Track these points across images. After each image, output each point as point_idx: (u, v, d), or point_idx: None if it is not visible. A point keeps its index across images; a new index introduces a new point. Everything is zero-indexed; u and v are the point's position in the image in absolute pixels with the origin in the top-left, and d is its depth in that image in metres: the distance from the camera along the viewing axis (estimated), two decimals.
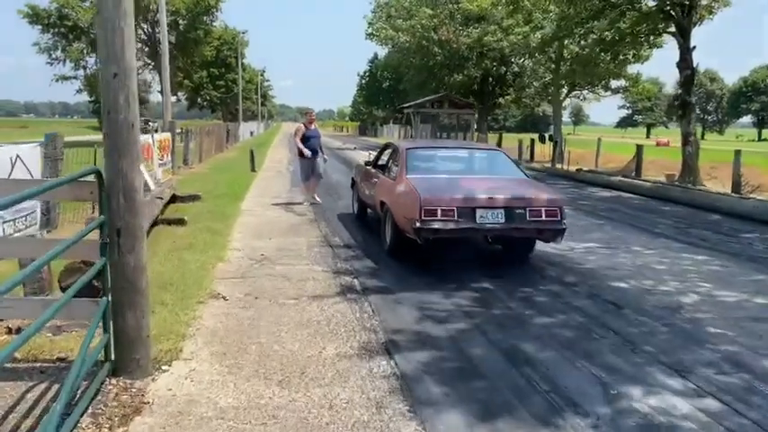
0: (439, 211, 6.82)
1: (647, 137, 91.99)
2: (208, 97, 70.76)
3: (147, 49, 41.21)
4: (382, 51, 72.21)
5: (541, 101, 31.86)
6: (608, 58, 21.26)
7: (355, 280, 6.43)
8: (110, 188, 3.80)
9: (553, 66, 26.77)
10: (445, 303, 5.69)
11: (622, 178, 17.17)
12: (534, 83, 30.18)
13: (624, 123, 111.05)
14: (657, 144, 50.26)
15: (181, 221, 9.08)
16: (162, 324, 4.77)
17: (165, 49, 20.57)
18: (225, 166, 20.55)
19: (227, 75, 69.64)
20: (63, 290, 4.83)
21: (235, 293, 5.83)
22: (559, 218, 6.88)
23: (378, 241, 8.33)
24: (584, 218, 11.26)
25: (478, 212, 6.80)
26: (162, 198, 9.32)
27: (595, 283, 6.61)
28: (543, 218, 6.84)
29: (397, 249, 7.68)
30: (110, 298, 3.91)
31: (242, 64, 62.42)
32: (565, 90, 28.35)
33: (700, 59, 24.72)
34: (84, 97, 68.92)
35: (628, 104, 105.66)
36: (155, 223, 8.77)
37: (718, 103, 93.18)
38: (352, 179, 11.27)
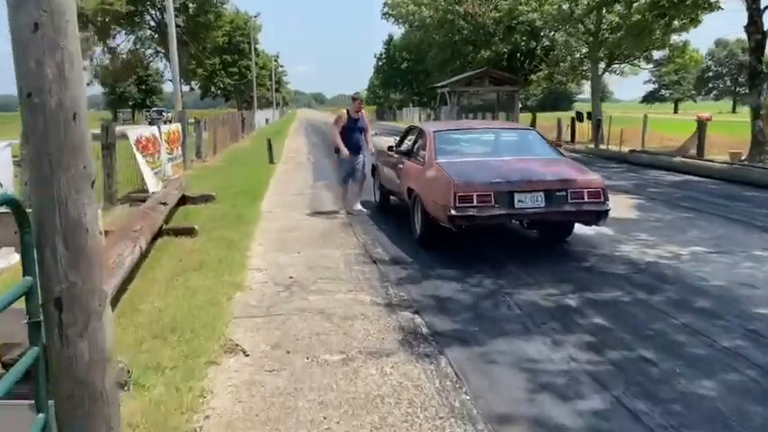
0: (474, 197, 6.14)
1: (675, 112, 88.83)
2: (221, 85, 69.27)
3: (156, 36, 39.69)
4: (398, 32, 70.26)
5: (576, 77, 29.81)
6: (662, 24, 19.22)
7: (418, 317, 4.78)
8: (39, 228, 2.18)
9: (591, 38, 24.68)
10: (555, 359, 4.01)
11: (684, 159, 15.27)
12: (569, 56, 28.08)
13: (650, 98, 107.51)
14: (699, 118, 47.56)
15: (190, 231, 7.50)
16: (152, 413, 3.17)
17: (171, 32, 18.97)
18: (241, 158, 18.98)
19: (240, 61, 68.02)
20: (4, 366, 3.24)
21: (259, 344, 4.23)
22: (602, 199, 6.36)
23: (433, 254, 6.67)
24: (666, 210, 9.48)
25: (517, 197, 6.19)
26: (166, 204, 7.74)
27: (741, 309, 4.90)
28: (585, 199, 6.31)
29: (428, 238, 6.98)
30: (50, 411, 2.31)
31: (255, 49, 60.76)
32: (603, 64, 26.25)
33: (729, 29, 22.42)
34: (98, 89, 67.97)
35: (654, 79, 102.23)
36: (158, 234, 7.21)
37: (752, 74, 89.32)
38: (373, 165, 9.99)
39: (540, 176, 6.40)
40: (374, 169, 9.90)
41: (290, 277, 5.80)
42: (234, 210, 9.30)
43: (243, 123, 32.58)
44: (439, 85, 21.64)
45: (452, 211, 6.08)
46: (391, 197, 9.29)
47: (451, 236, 6.59)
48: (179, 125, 15.55)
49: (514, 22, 30.45)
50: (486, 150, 7.40)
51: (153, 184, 10.41)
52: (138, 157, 10.22)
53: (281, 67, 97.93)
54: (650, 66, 27.80)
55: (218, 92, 72.67)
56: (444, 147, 7.17)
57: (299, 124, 56.99)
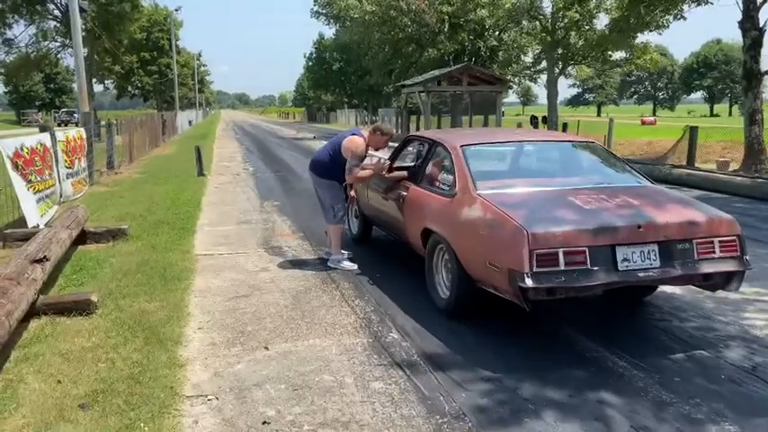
0: (560, 255, 3.78)
1: (598, 115, 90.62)
2: (139, 84, 64.29)
3: (61, 26, 35.27)
4: (329, 31, 67.49)
5: (530, 77, 28.21)
6: (648, 20, 17.56)
7: None
8: None
9: (548, 37, 22.95)
10: None
11: (690, 171, 13.40)
12: (524, 57, 26.40)
13: (575, 102, 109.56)
14: (643, 123, 47.50)
15: (84, 306, 4.68)
16: None
17: (75, 17, 15.59)
18: (164, 169, 15.85)
19: (159, 59, 63.28)
20: None
21: None
22: (739, 252, 4.19)
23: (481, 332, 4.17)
24: None
25: (620, 252, 3.91)
26: (45, 259, 4.85)
27: None
28: (717, 254, 4.11)
29: (461, 309, 4.54)
30: None
31: (176, 46, 56.44)
32: (559, 65, 24.64)
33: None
34: None
35: (578, 83, 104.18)
36: (30, 313, 4.40)
37: (669, 80, 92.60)
38: (346, 186, 7.18)
39: (650, 218, 4.05)
40: (346, 190, 7.28)
41: (265, 423, 3.15)
42: (155, 254, 6.49)
43: (164, 126, 29.03)
44: (410, 83, 18.75)
45: (529, 281, 3.69)
46: (374, 226, 6.84)
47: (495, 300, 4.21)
48: (83, 130, 12.38)
49: (461, 20, 28.47)
50: (544, 174, 4.95)
51: (33, 216, 7.39)
52: (15, 178, 7.19)
53: (204, 65, 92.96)
54: (606, 67, 26.57)
55: (137, 91, 67.54)
56: (483, 169, 4.72)
57: (226, 126, 53.26)
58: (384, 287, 5.43)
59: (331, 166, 5.99)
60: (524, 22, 24.00)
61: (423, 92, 16.60)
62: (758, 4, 13.60)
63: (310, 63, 73.99)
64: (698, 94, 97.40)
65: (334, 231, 6.10)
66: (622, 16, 18.49)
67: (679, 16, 17.30)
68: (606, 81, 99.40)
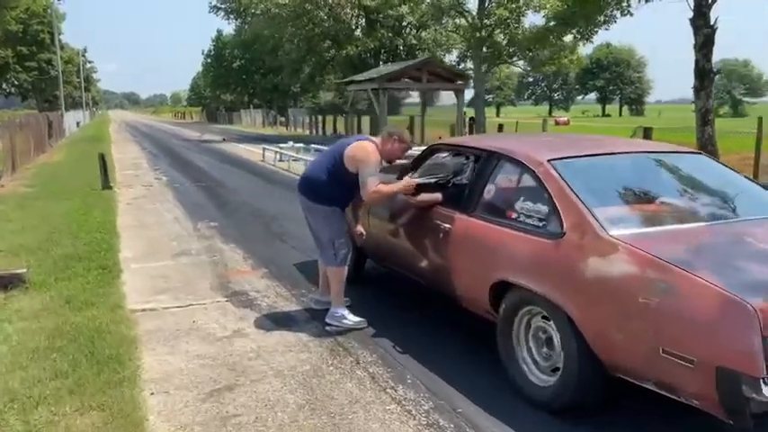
0: None
1: (497, 115, 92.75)
2: (16, 81, 58.19)
3: None
4: (228, 27, 64.18)
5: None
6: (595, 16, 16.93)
7: None
8: None
9: (477, 33, 22.05)
10: None
11: None
12: (445, 54, 25.44)
13: (473, 104, 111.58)
14: (557, 123, 48.15)
15: None
16: None
17: None
18: (57, 180, 13.30)
19: (39, 54, 57.43)
20: None
21: None
22: None
23: None
24: None
25: None
26: None
27: None
28: None
29: (579, 403, 3.05)
30: None
31: (59, 41, 51.31)
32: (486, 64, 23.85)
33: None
34: None
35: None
36: None
37: (565, 81, 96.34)
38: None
39: None
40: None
41: None
42: (72, 315, 4.57)
43: (50, 128, 25.59)
44: (360, 78, 16.82)
45: (766, 389, 2.25)
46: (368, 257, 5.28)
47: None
48: None
49: (380, 15, 27.18)
50: (675, 200, 3.52)
51: None
52: None
53: (90, 62, 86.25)
54: (530, 67, 26.18)
55: (13, 89, 61.11)
56: (595, 196, 3.27)
57: (119, 127, 48.97)
58: (420, 354, 3.87)
59: (330, 187, 4.34)
60: (449, 19, 23.02)
61: (376, 89, 14.92)
62: (710, 1, 13.19)
63: (208, 60, 70.20)
64: (591, 95, 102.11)
65: (335, 276, 4.44)
66: (567, 10, 17.86)
67: (626, 11, 16.90)
68: (505, 82, 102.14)
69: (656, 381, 2.62)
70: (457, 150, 4.37)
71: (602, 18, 18.11)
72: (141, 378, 3.61)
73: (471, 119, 22.86)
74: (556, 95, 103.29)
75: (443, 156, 4.42)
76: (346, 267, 4.46)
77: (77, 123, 46.97)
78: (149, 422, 3.10)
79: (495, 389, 3.43)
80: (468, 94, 27.84)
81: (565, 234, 3.03)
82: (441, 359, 3.83)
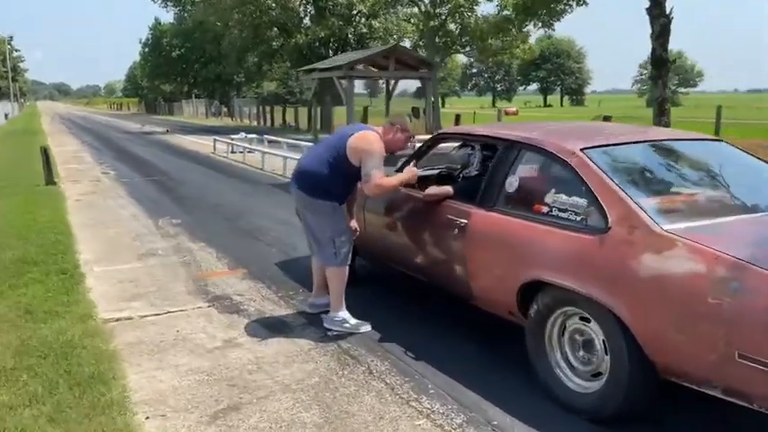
0: None
1: (443, 106, 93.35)
2: None
3: None
4: (166, 15, 61.91)
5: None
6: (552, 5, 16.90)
7: None
8: None
9: (431, 22, 21.80)
10: None
11: None
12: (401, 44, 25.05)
13: (419, 94, 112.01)
14: (506, 113, 48.37)
15: None
16: None
17: None
18: None
19: None
20: None
21: None
22: None
23: None
24: None
25: None
26: None
27: None
28: None
29: (625, 410, 2.82)
30: None
31: None
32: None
33: None
34: None
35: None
36: None
37: (507, 72, 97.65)
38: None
39: None
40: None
41: None
42: (36, 328, 4.07)
43: None
44: (324, 66, 16.04)
45: None
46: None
47: None
48: None
49: (330, 3, 26.63)
50: (715, 191, 3.31)
51: None
52: None
53: (17, 51, 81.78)
54: (482, 57, 26.13)
55: None
56: (642, 189, 3.06)
57: (52, 119, 46.60)
58: (435, 360, 3.59)
59: (332, 181, 3.99)
60: (401, 7, 22.73)
61: (343, 77, 14.35)
62: None
63: (146, 49, 67.62)
64: (532, 86, 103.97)
65: (336, 276, 4.10)
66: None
67: (582, 1, 16.99)
68: (449, 73, 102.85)
69: (725, 387, 2.42)
70: (466, 140, 4.10)
71: (561, 7, 18.19)
72: (131, 400, 3.19)
73: (424, 110, 22.66)
74: (499, 86, 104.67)
75: (450, 146, 4.13)
76: (347, 268, 4.12)
77: (5, 115, 44.41)
78: None
79: (526, 394, 3.19)
80: (415, 84, 27.75)
81: (610, 229, 2.79)
82: (458, 363, 3.55)
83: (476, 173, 3.86)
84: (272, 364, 3.62)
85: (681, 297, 2.50)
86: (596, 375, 2.98)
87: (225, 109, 49.88)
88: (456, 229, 3.63)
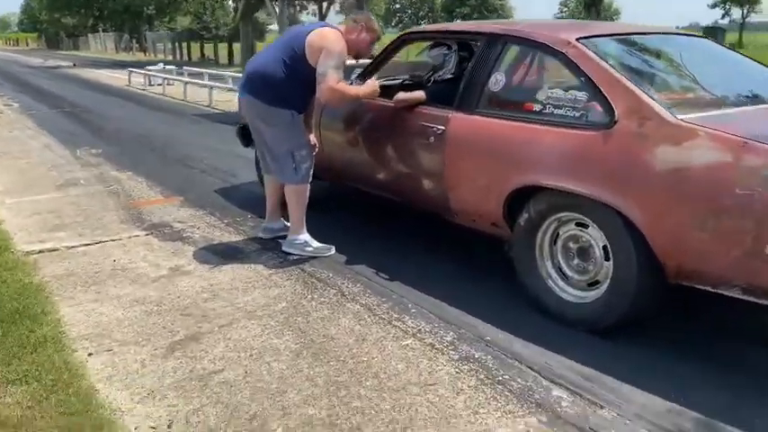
0: None
1: None
2: None
3: None
4: None
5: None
6: None
7: None
8: None
9: None
10: None
11: None
12: None
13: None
14: None
15: None
16: None
17: None
18: None
19: None
20: None
21: None
22: None
23: None
24: None
25: None
26: None
27: None
28: None
29: (632, 318, 2.65)
30: None
31: None
32: None
33: None
34: None
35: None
36: None
37: (431, 8, 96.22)
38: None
39: None
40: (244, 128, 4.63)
41: None
42: None
43: None
44: None
45: None
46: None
47: None
48: None
49: None
50: (715, 83, 3.01)
51: None
52: None
53: None
54: None
55: None
56: (648, 80, 2.79)
57: None
58: (410, 280, 3.28)
59: (289, 86, 3.50)
60: None
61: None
62: None
63: None
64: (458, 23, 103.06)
65: (296, 195, 3.67)
66: None
67: None
68: (372, 9, 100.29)
69: (747, 285, 2.24)
70: (438, 39, 3.71)
71: None
72: (67, 336, 2.72)
73: None
74: (422, 23, 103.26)
75: (420, 45, 3.73)
76: (308, 185, 3.70)
77: None
78: (101, 393, 2.29)
79: (514, 308, 2.95)
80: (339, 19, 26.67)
81: (616, 123, 2.52)
82: (436, 282, 3.27)
83: (450, 75, 3.49)
84: (229, 291, 3.22)
85: (703, 191, 2.27)
86: (593, 284, 2.77)
87: (136, 44, 46.66)
88: (431, 138, 3.27)
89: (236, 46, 28.89)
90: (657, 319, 2.83)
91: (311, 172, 3.68)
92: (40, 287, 3.21)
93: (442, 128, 3.22)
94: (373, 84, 3.64)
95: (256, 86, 3.55)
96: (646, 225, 2.43)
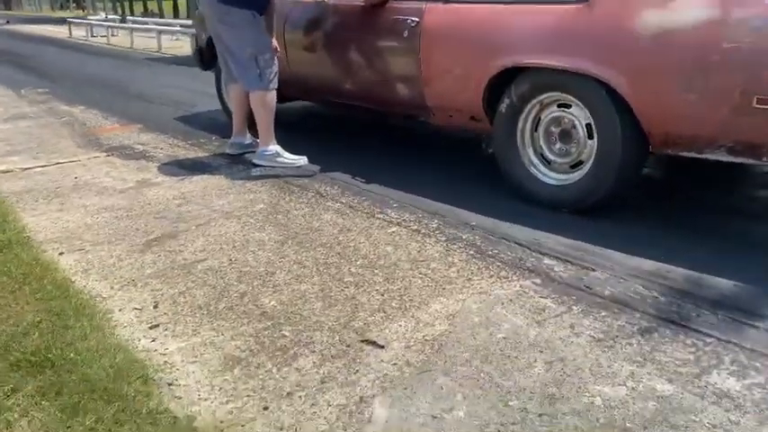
0: None
1: None
2: None
3: None
4: None
5: None
6: None
7: None
8: None
9: None
10: None
11: None
12: None
13: None
14: None
15: None
16: None
17: None
18: None
19: None
20: None
21: None
22: None
23: None
24: None
25: None
26: None
27: None
28: None
29: (616, 196, 2.68)
30: None
31: None
32: None
33: None
34: None
35: None
36: None
37: None
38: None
39: None
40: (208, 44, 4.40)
41: None
42: None
43: None
44: None
45: None
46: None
47: None
48: None
49: None
50: None
51: None
52: None
53: None
54: None
55: None
56: None
57: None
58: (388, 181, 3.21)
59: None
60: None
61: None
62: None
63: None
64: None
65: (262, 103, 3.51)
66: None
67: None
68: None
69: (734, 144, 2.25)
70: None
71: None
72: (33, 240, 2.58)
73: None
74: None
75: None
76: (275, 92, 3.56)
77: None
78: (77, 284, 2.17)
79: (496, 198, 2.92)
80: None
81: None
82: (414, 181, 3.20)
83: None
84: (203, 197, 3.09)
85: (691, 51, 2.25)
86: (575, 166, 2.75)
87: (74, 3, 44.37)
88: (406, 31, 3.17)
89: (180, 2, 27.81)
90: (640, 199, 2.85)
91: (276, 78, 3.53)
92: None
93: (416, 19, 3.12)
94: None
95: None
96: (632, 95, 2.41)
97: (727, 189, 3.13)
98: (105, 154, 3.97)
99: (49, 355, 1.66)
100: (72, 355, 1.67)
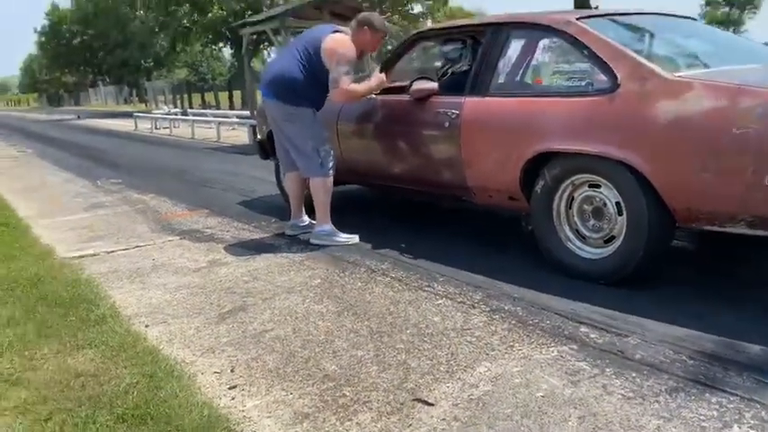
0: None
1: None
2: None
3: None
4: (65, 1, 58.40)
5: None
6: None
7: None
8: None
9: None
10: None
11: None
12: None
13: None
14: None
15: None
16: None
17: None
18: None
19: None
20: None
21: None
22: None
23: None
24: None
25: None
26: None
27: None
28: None
29: (645, 270, 2.87)
30: None
31: None
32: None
33: None
34: None
35: None
36: None
37: None
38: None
39: None
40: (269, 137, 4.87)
41: None
42: None
43: None
44: (256, 20, 14.59)
45: None
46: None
47: None
48: None
49: None
50: (706, 52, 3.31)
51: None
52: None
53: None
54: (405, 22, 25.95)
55: None
56: (644, 48, 3.08)
57: None
58: (435, 257, 3.48)
59: (308, 87, 3.79)
60: None
61: (278, 29, 13.42)
62: None
63: (43, 39, 63.44)
64: None
65: (322, 188, 3.91)
66: None
67: None
68: None
69: (752, 218, 2.46)
70: (447, 35, 4.00)
71: None
72: (123, 314, 2.93)
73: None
74: None
75: (429, 44, 4.02)
76: (332, 178, 3.95)
77: None
78: (163, 351, 2.48)
79: (536, 269, 3.15)
80: None
81: (620, 86, 2.77)
82: (459, 257, 3.47)
83: (460, 67, 3.77)
84: (267, 274, 3.43)
85: (705, 134, 2.51)
86: (609, 240, 2.98)
87: (136, 96, 47.71)
88: (447, 123, 3.53)
89: (235, 93, 29.72)
90: (673, 270, 3.03)
91: (334, 166, 3.92)
92: (90, 280, 3.42)
93: (456, 112, 3.48)
94: (379, 76, 3.94)
95: (279, 88, 3.83)
96: (654, 175, 2.66)
97: (756, 260, 3.28)
98: (178, 237, 4.39)
99: (149, 410, 1.95)
100: (167, 410, 1.96)
